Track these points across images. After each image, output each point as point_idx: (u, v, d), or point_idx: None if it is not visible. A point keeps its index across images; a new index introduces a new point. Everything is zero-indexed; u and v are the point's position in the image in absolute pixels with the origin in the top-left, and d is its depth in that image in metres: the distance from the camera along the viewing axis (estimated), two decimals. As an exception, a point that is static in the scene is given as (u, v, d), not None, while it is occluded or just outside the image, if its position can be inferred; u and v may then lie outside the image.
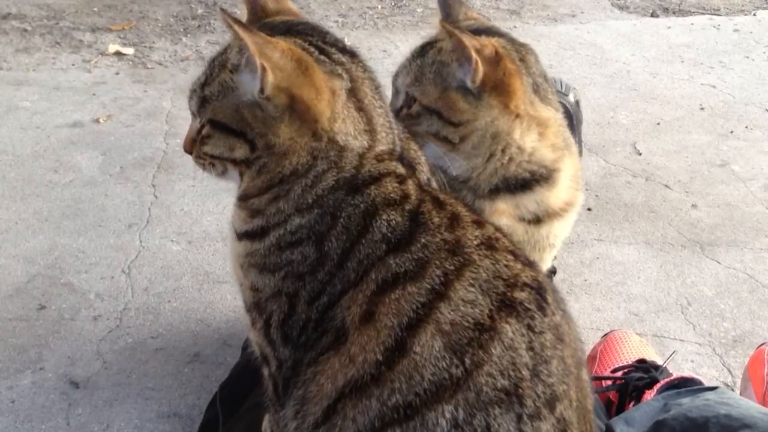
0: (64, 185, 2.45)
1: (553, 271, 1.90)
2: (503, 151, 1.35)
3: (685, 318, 1.95)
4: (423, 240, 1.00)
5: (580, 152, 1.79)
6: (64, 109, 2.92)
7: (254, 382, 1.41)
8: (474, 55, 1.26)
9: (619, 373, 1.56)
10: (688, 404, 1.27)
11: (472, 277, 0.96)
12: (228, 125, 1.08)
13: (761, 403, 1.43)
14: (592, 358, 1.66)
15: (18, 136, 2.72)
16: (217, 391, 1.58)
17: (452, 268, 0.97)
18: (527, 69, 1.38)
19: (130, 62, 3.35)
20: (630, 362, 1.59)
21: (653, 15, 4.03)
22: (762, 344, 1.63)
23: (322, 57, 1.08)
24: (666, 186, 2.52)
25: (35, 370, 1.76)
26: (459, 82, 1.32)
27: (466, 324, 0.93)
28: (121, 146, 2.68)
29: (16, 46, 3.44)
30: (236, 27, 0.98)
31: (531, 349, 0.94)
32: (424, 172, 1.18)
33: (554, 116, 1.40)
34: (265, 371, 1.15)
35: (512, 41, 1.41)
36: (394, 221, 1.02)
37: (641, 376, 1.51)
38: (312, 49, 1.08)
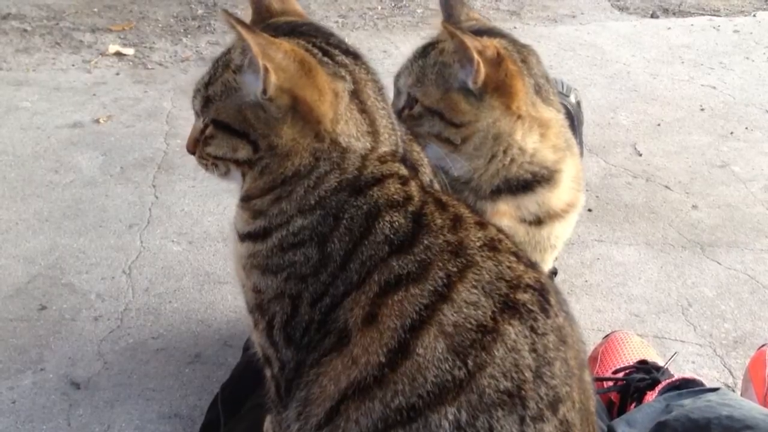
0: (65, 186, 2.45)
1: (554, 272, 1.90)
2: (505, 152, 1.35)
3: (686, 319, 1.95)
4: (426, 242, 1.00)
5: (581, 153, 1.79)
6: (65, 110, 2.91)
7: (256, 383, 1.41)
8: (476, 56, 1.25)
9: (620, 374, 1.57)
10: (689, 405, 1.28)
11: (475, 279, 0.96)
12: (231, 126, 1.08)
13: (762, 404, 1.43)
14: (593, 359, 1.66)
15: (18, 136, 2.72)
16: (218, 392, 1.58)
17: (455, 269, 0.97)
18: (529, 70, 1.38)
19: (131, 63, 3.35)
20: (631, 363, 1.59)
21: (653, 16, 4.04)
22: (763, 345, 1.63)
23: (326, 59, 1.07)
24: (666, 187, 2.52)
25: (36, 370, 1.76)
26: (461, 83, 1.32)
27: (469, 326, 0.93)
28: (121, 147, 2.68)
29: (16, 47, 3.44)
30: (239, 27, 0.98)
31: (534, 350, 0.93)
32: (426, 174, 1.18)
33: (556, 117, 1.40)
34: (268, 372, 1.15)
35: (514, 42, 1.41)
36: (396, 223, 1.02)
37: (643, 377, 1.51)
38: (315, 51, 1.08)
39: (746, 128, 2.92)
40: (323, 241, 1.04)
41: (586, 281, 2.08)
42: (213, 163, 1.13)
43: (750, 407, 1.22)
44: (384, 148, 1.09)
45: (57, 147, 2.67)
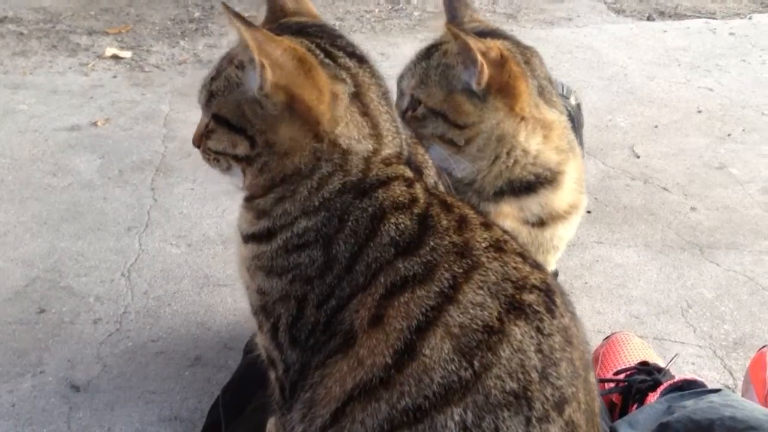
0: (63, 188, 2.45)
1: (555, 274, 1.90)
2: (508, 153, 1.35)
3: (686, 320, 1.95)
4: (432, 243, 1.00)
5: (582, 155, 1.80)
6: (62, 113, 2.91)
7: (257, 385, 1.41)
8: (479, 57, 1.26)
9: (621, 376, 1.57)
10: (692, 406, 1.27)
11: (481, 280, 0.96)
12: (230, 121, 1.08)
13: (763, 405, 1.43)
14: (594, 360, 1.66)
15: (15, 139, 2.71)
16: (219, 394, 1.58)
17: (461, 270, 0.97)
18: (532, 72, 1.38)
19: (128, 65, 3.35)
20: (632, 364, 1.59)
21: (649, 19, 4.05)
22: (763, 347, 1.63)
23: (327, 60, 1.07)
24: (664, 189, 2.53)
25: (35, 373, 1.75)
26: (464, 85, 1.32)
27: (475, 327, 0.93)
28: (119, 149, 2.68)
29: (12, 50, 3.43)
30: (237, 22, 0.98)
31: (540, 351, 0.93)
32: (431, 176, 1.18)
33: (558, 119, 1.40)
34: (272, 374, 1.15)
35: (517, 44, 1.41)
36: (402, 225, 1.02)
37: (644, 379, 1.51)
38: (318, 51, 1.07)
39: (743, 130, 2.92)
40: (328, 242, 1.04)
41: (586, 283, 2.08)
42: (215, 158, 1.13)
43: (753, 408, 1.22)
44: (387, 151, 1.09)
45: (54, 150, 2.66)
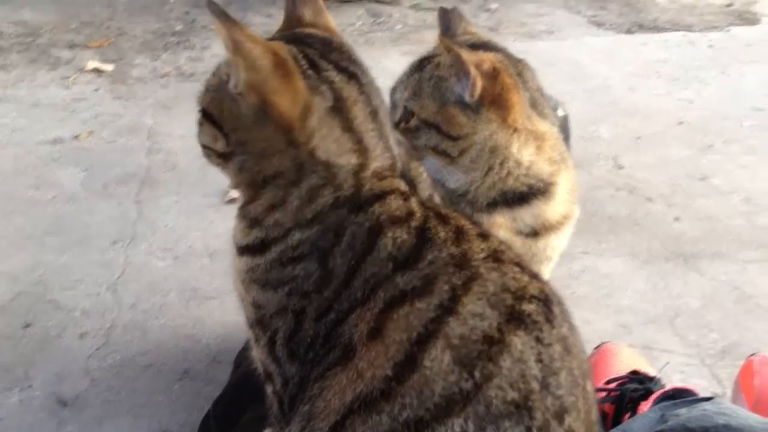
0: (47, 202, 2.43)
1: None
2: (501, 164, 1.36)
3: (673, 329, 1.96)
4: (430, 256, 1.00)
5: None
6: (44, 126, 2.89)
7: (251, 398, 1.40)
8: (472, 70, 1.26)
9: (612, 385, 1.57)
10: (685, 415, 1.28)
11: (481, 291, 0.96)
12: (212, 116, 1.11)
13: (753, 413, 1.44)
14: (584, 370, 1.66)
15: (-2, 153, 2.69)
16: (210, 408, 1.57)
17: (460, 282, 0.97)
18: (524, 83, 1.39)
19: (110, 78, 3.33)
20: (623, 374, 1.59)
21: (629, 32, 4.08)
22: (751, 355, 1.65)
23: (311, 71, 1.07)
24: (649, 199, 2.55)
25: (23, 388, 1.74)
26: (457, 97, 1.33)
27: (476, 337, 0.93)
28: (103, 162, 2.66)
29: (-7, 63, 3.41)
30: (218, 21, 0.99)
31: (540, 361, 0.93)
32: (425, 189, 1.18)
33: (550, 130, 1.42)
34: (269, 389, 1.14)
35: (509, 56, 1.42)
36: (400, 239, 1.01)
37: (636, 388, 1.51)
38: (303, 61, 1.07)
39: (724, 141, 2.95)
40: (324, 256, 1.03)
41: (574, 293, 2.09)
42: (205, 152, 1.16)
43: (747, 416, 1.23)
44: (376, 164, 1.08)
45: (37, 163, 2.64)
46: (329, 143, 1.05)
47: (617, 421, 1.50)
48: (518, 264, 1.02)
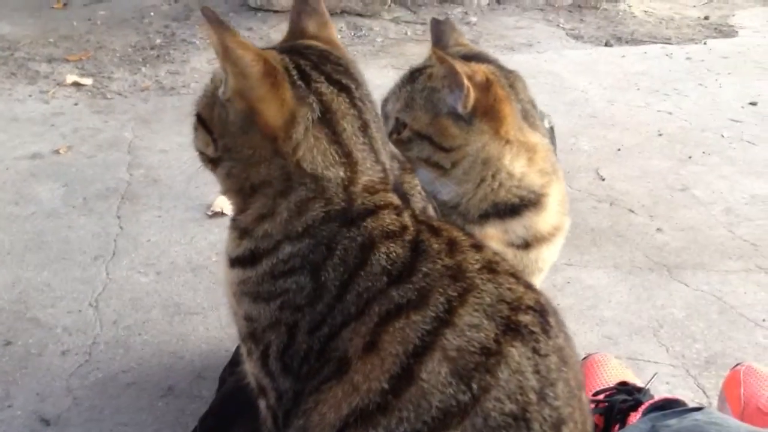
0: (26, 217, 2.40)
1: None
2: (493, 176, 1.36)
3: (658, 340, 1.97)
4: (424, 269, 0.99)
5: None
6: (23, 141, 2.86)
7: (238, 413, 1.39)
8: (466, 81, 1.26)
9: (601, 396, 1.57)
10: (676, 425, 1.28)
11: (477, 302, 0.96)
12: (205, 122, 1.11)
13: (741, 423, 1.45)
14: (572, 382, 1.66)
15: (-24, 168, 2.66)
16: (196, 425, 1.55)
17: (455, 294, 0.96)
18: (516, 95, 1.39)
19: (89, 93, 3.30)
20: (611, 385, 1.59)
21: (607, 44, 4.12)
22: (736, 365, 1.65)
23: (300, 82, 1.06)
24: (630, 210, 2.56)
25: (3, 407, 1.70)
26: (450, 108, 1.33)
27: (473, 349, 0.92)
28: (83, 177, 2.63)
29: (-30, 78, 3.37)
30: (210, 26, 1.00)
31: (537, 372, 0.93)
32: (418, 201, 1.17)
33: (542, 142, 1.42)
34: (263, 403, 1.12)
35: (501, 68, 1.43)
36: (394, 253, 1.01)
37: (625, 399, 1.51)
38: (294, 72, 1.07)
39: (703, 152, 2.98)
40: (316, 270, 1.02)
41: (558, 304, 2.05)
42: (200, 158, 1.16)
43: (738, 425, 1.23)
44: (365, 178, 1.07)
45: (16, 178, 2.61)
46: (316, 155, 1.05)
47: (607, 432, 1.49)
48: (513, 275, 1.02)
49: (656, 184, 2.73)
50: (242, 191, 1.09)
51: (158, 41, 3.83)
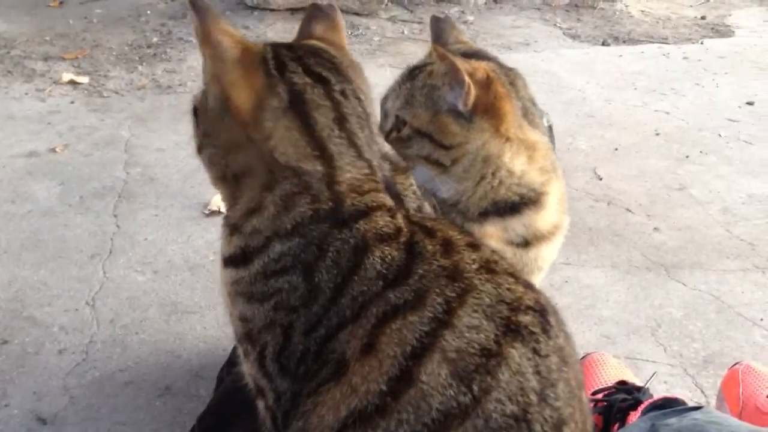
0: (22, 216, 2.39)
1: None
2: (493, 174, 1.35)
3: (656, 340, 1.97)
4: (420, 270, 0.98)
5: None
6: (19, 139, 2.85)
7: (236, 413, 1.38)
8: (467, 78, 1.26)
9: (600, 396, 1.57)
10: (676, 424, 1.28)
11: (476, 303, 0.95)
12: (197, 110, 1.14)
13: (739, 422, 1.45)
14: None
15: (-28, 166, 2.65)
16: (194, 424, 1.54)
17: (454, 294, 0.95)
18: (516, 93, 1.39)
19: (85, 91, 3.29)
20: (610, 384, 1.59)
21: (604, 44, 4.12)
22: (735, 364, 1.66)
23: (275, 71, 1.06)
24: (628, 210, 2.56)
25: (0, 407, 1.70)
26: (450, 106, 1.32)
27: (473, 350, 0.91)
28: (79, 176, 2.63)
29: (-34, 76, 3.36)
30: (192, 10, 1.03)
31: (538, 372, 0.93)
32: (412, 201, 1.15)
33: (542, 140, 1.42)
34: (261, 404, 1.12)
35: (501, 65, 1.42)
36: (389, 256, 0.99)
37: (625, 398, 1.51)
38: (272, 62, 1.07)
39: (701, 152, 2.98)
40: (309, 270, 1.01)
41: (556, 304, 2.07)
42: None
43: (738, 424, 1.23)
44: (347, 175, 1.05)
45: (12, 177, 2.60)
46: (287, 145, 1.04)
47: (606, 432, 1.49)
48: (512, 274, 1.01)
49: (653, 184, 2.73)
50: (225, 180, 1.11)
51: (155, 39, 3.82)
